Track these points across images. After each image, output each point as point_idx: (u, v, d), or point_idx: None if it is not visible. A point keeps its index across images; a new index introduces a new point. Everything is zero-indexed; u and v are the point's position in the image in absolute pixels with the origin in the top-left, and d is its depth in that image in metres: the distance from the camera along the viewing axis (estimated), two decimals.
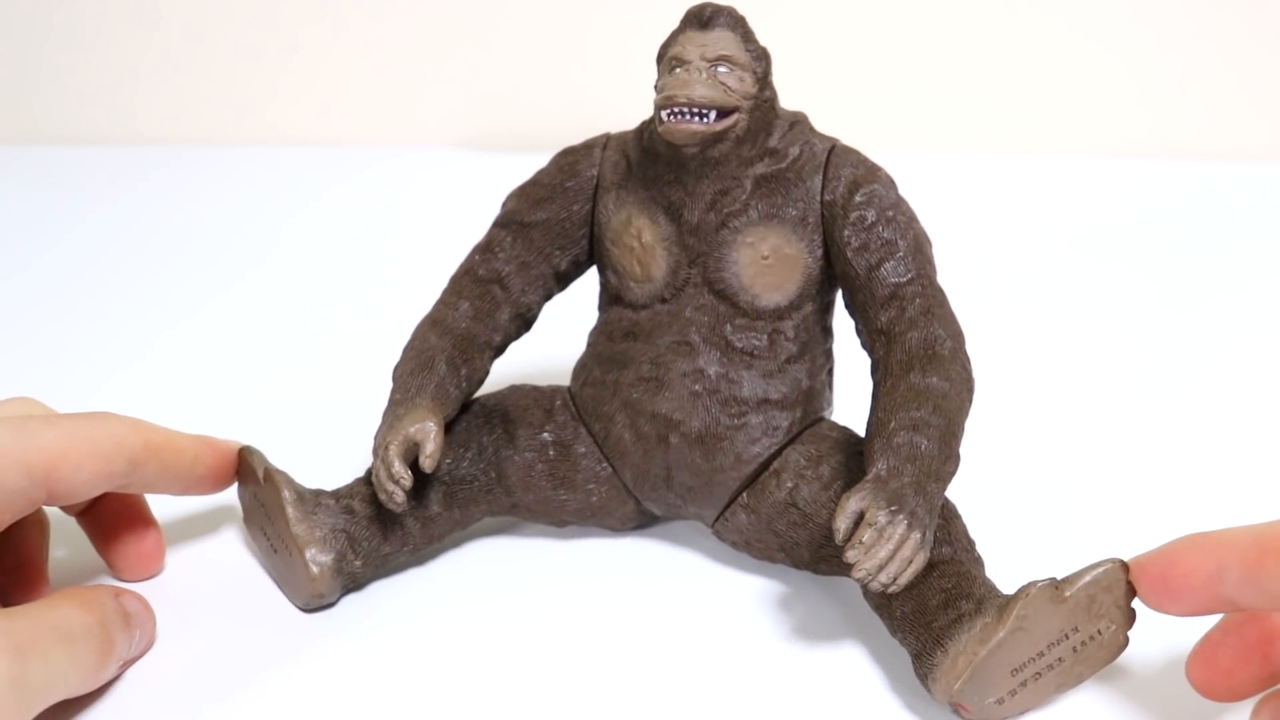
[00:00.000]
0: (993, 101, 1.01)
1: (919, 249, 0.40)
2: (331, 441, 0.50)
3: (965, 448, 0.40)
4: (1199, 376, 0.60)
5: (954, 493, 0.41)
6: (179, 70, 1.05)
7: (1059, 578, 0.35)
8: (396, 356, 0.44)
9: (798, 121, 0.41)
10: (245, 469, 0.44)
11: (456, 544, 0.45)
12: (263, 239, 0.81)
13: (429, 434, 0.40)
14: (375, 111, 1.05)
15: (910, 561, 0.34)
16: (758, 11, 0.42)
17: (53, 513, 0.43)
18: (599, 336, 0.44)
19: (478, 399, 0.45)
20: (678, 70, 0.39)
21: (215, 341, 0.64)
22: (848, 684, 0.38)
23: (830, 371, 0.44)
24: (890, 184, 0.41)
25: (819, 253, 0.41)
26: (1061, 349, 0.63)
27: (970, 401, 0.39)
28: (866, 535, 0.34)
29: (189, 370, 0.61)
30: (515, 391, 0.45)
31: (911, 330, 0.39)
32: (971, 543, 0.39)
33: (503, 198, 0.46)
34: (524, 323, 0.45)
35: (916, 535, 0.34)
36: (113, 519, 0.42)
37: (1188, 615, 0.34)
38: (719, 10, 0.40)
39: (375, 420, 0.43)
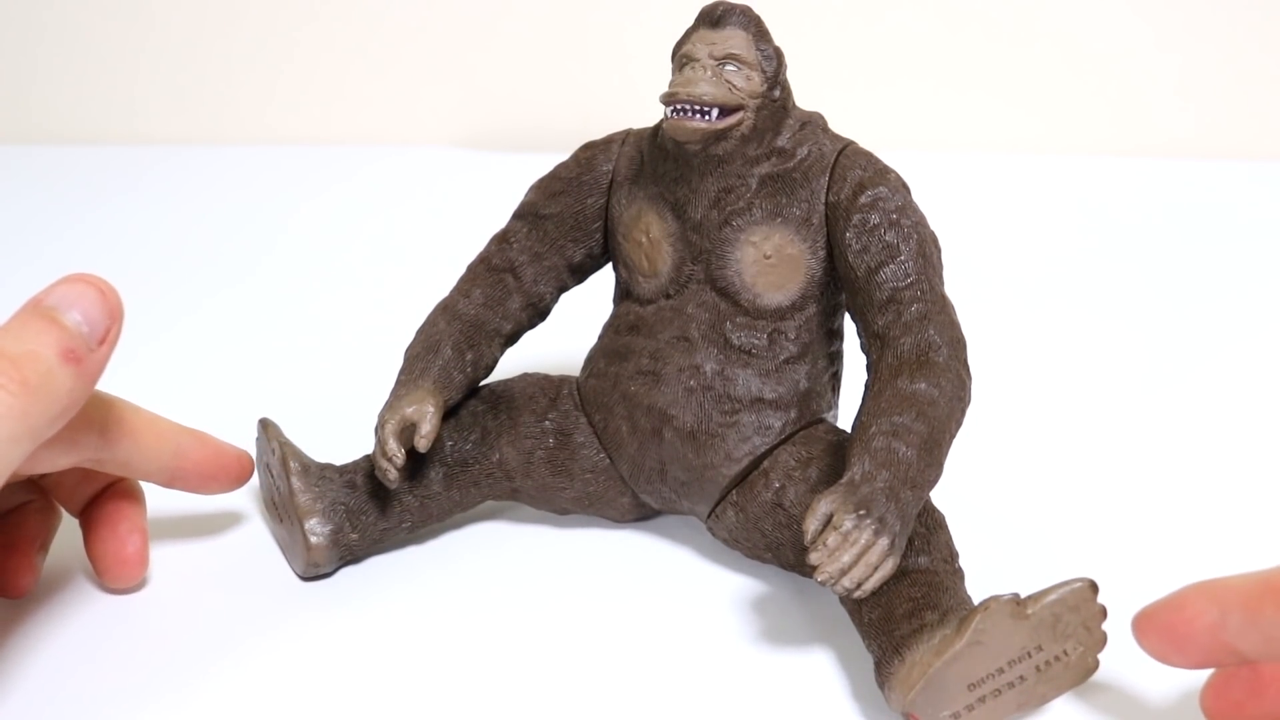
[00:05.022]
0: (993, 101, 1.01)
1: (922, 254, 0.39)
2: (330, 434, 0.50)
3: (962, 453, 0.40)
4: (1200, 377, 0.60)
5: (948, 500, 0.41)
6: (178, 70, 1.05)
7: (1022, 594, 0.34)
8: (397, 351, 0.44)
9: (808, 122, 0.41)
10: (261, 440, 0.45)
11: (457, 525, 0.46)
12: (263, 238, 0.81)
13: (425, 415, 0.41)
14: (375, 111, 1.05)
15: (876, 568, 0.34)
16: (758, 10, 0.42)
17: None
18: (608, 329, 0.44)
19: (487, 384, 0.46)
20: (686, 68, 0.40)
21: (216, 339, 0.65)
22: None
23: (835, 375, 0.43)
24: (899, 187, 0.40)
25: (822, 254, 0.41)
26: (1060, 349, 0.63)
27: (961, 412, 0.38)
28: (831, 539, 0.34)
29: (189, 367, 0.61)
30: (524, 379, 0.46)
31: (905, 335, 0.38)
32: (953, 555, 0.38)
33: (502, 197, 0.46)
34: (536, 313, 0.45)
35: (884, 541, 0.34)
36: (103, 521, 0.41)
37: (1193, 667, 0.33)
38: (731, 9, 0.40)
39: (375, 410, 0.43)
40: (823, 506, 0.35)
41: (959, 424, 0.38)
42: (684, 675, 0.38)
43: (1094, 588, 0.34)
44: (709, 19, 0.40)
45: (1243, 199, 0.90)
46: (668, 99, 0.39)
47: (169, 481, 0.42)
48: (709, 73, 0.39)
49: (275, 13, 1.02)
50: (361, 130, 1.05)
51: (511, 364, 0.48)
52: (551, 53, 1.01)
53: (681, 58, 0.40)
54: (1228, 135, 1.01)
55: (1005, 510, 0.47)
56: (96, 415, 0.38)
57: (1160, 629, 0.33)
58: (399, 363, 0.44)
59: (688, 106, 0.38)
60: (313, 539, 0.42)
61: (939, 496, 0.41)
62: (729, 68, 0.39)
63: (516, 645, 0.40)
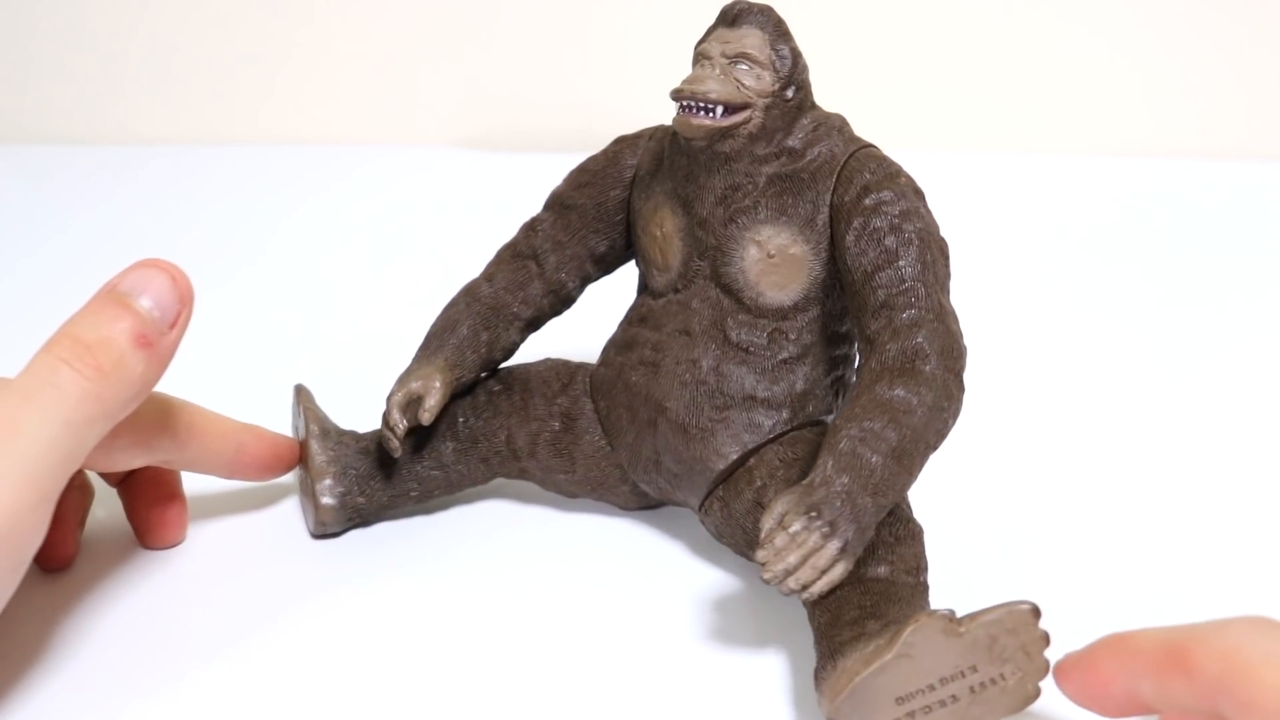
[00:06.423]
0: (993, 101, 1.01)
1: (923, 260, 0.38)
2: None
3: (959, 457, 0.39)
4: (1199, 378, 0.59)
5: (944, 506, 0.40)
6: (177, 69, 1.05)
7: (957, 612, 0.33)
8: (396, 349, 0.46)
9: (823, 123, 0.41)
10: (294, 404, 0.48)
11: (467, 500, 0.48)
12: (262, 238, 0.81)
13: (431, 390, 0.43)
14: (375, 111, 1.05)
15: (823, 571, 0.34)
16: None
17: (98, 482, 0.46)
18: (623, 321, 0.45)
19: (507, 366, 0.47)
20: (697, 65, 0.40)
21: (215, 338, 0.64)
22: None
23: (839, 379, 0.43)
24: (906, 192, 0.39)
25: (826, 256, 0.40)
26: (1059, 349, 0.63)
27: (943, 423, 0.37)
28: (779, 539, 0.34)
29: (188, 366, 0.61)
30: (544, 363, 0.47)
31: (893, 341, 0.37)
32: (918, 569, 0.38)
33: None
34: (558, 300, 0.46)
35: (834, 545, 0.34)
36: (146, 489, 0.44)
37: (1119, 717, 0.32)
38: (749, 8, 0.40)
39: (374, 413, 0.45)
40: (778, 506, 0.35)
41: (940, 435, 0.37)
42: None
43: (1035, 612, 0.33)
44: (726, 17, 0.41)
45: (1243, 199, 0.90)
46: (675, 95, 0.39)
47: (229, 474, 0.45)
48: (718, 70, 0.39)
49: (274, 13, 1.02)
50: (361, 130, 1.05)
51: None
52: (551, 53, 1.01)
53: (697, 55, 0.41)
54: (1228, 135, 1.01)
55: (1003, 517, 0.47)
56: (168, 420, 0.41)
57: (1076, 684, 0.32)
58: (398, 361, 0.45)
59: (693, 103, 0.39)
60: (323, 499, 0.44)
61: (933, 502, 0.41)
62: (741, 66, 0.39)
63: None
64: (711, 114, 0.39)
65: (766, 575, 0.34)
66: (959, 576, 0.41)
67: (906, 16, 0.99)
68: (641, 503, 0.46)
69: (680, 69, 0.42)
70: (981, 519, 0.46)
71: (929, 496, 0.43)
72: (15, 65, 1.05)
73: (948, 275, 0.39)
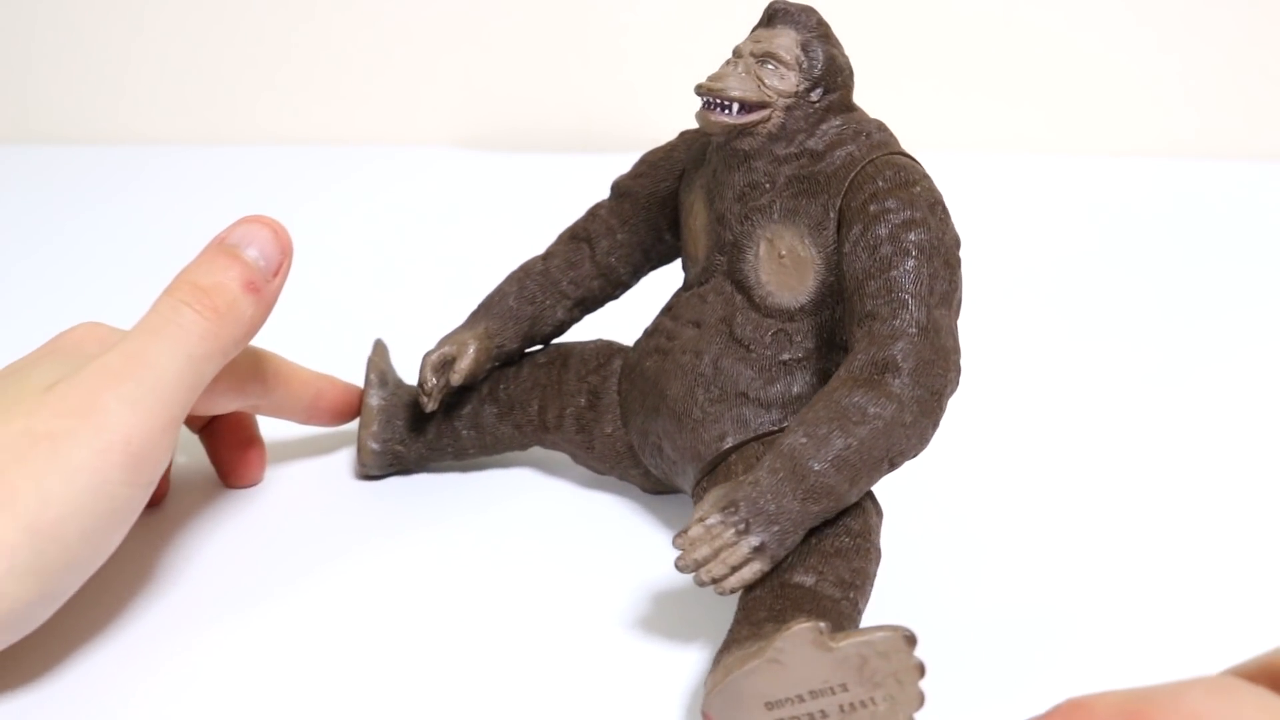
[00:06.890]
0: (994, 102, 1.01)
1: (918, 274, 0.37)
2: (327, 442, 0.52)
3: (950, 461, 0.38)
4: (1198, 378, 0.59)
5: (942, 508, 0.40)
6: (177, 69, 1.05)
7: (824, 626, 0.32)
8: (397, 352, 0.48)
9: (849, 126, 0.40)
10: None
11: (504, 463, 0.50)
12: None
13: (464, 354, 0.45)
14: (375, 111, 1.05)
15: (735, 568, 0.34)
16: (756, 13, 0.42)
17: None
18: (660, 309, 0.46)
19: (558, 342, 0.49)
20: (726, 62, 0.40)
21: None
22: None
23: None
24: (916, 202, 0.38)
25: (834, 261, 0.40)
26: (1058, 349, 0.63)
27: (903, 441, 0.36)
28: (693, 530, 0.35)
29: None
30: (592, 343, 0.48)
31: (866, 350, 0.36)
32: (850, 585, 0.36)
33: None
34: (609, 284, 0.47)
35: (747, 543, 0.34)
36: (227, 435, 0.47)
37: None
38: (785, 10, 0.40)
39: None
40: (707, 499, 0.35)
41: (900, 452, 0.36)
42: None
43: (910, 640, 0.32)
44: (764, 17, 0.41)
45: (1243, 199, 0.90)
46: (697, 90, 0.40)
47: (306, 420, 0.48)
48: (741, 68, 0.40)
49: (274, 12, 1.02)
50: (361, 130, 1.05)
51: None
52: (551, 53, 1.01)
53: (732, 52, 0.41)
54: (1228, 135, 1.01)
55: (988, 527, 0.46)
56: (259, 368, 0.45)
57: None
58: (398, 358, 0.47)
59: (711, 100, 0.39)
60: (368, 444, 0.47)
61: (927, 504, 0.40)
62: (768, 65, 0.40)
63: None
64: (729, 111, 0.39)
65: (678, 564, 0.35)
66: (951, 594, 0.40)
67: (907, 17, 0.99)
68: (658, 486, 0.46)
69: (679, 69, 0.42)
70: (964, 529, 0.45)
71: (918, 505, 0.43)
72: (15, 65, 1.05)
73: (951, 291, 0.37)
